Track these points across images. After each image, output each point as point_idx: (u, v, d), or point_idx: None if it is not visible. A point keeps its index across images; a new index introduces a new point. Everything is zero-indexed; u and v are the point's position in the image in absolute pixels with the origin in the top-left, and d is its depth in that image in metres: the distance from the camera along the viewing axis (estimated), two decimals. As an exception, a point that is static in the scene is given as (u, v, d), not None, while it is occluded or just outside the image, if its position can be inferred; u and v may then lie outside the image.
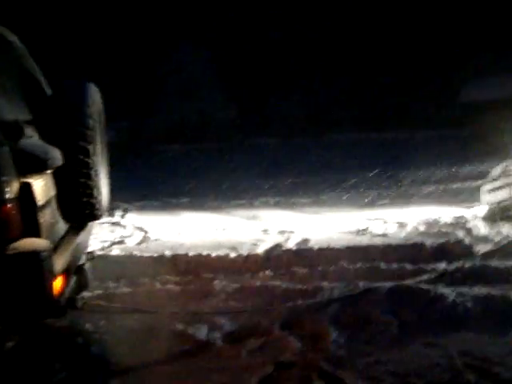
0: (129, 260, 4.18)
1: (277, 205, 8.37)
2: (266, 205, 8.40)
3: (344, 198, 8.94)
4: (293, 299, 3.28)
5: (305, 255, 4.20)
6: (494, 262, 3.90)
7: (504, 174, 6.25)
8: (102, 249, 4.57)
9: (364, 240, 4.85)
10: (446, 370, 2.44)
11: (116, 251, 4.47)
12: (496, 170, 6.63)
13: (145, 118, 19.65)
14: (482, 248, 4.34)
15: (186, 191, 9.69)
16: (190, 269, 4.01)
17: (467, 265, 3.84)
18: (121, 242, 5.04)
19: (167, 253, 4.25)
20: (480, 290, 3.33)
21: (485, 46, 17.51)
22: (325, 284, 3.47)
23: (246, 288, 3.43)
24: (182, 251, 4.38)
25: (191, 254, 4.22)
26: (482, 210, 6.46)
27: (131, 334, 2.85)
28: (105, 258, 4.12)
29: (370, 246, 4.40)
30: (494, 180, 6.48)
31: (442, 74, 17.94)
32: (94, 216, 2.64)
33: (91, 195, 2.53)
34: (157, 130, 19.38)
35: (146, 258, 4.21)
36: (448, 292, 3.26)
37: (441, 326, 2.95)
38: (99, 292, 3.39)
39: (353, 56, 20.67)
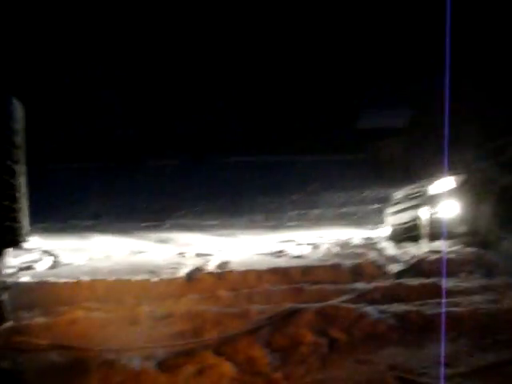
0: (42, 287, 3.90)
1: (187, 227, 8.31)
2: (177, 227, 8.31)
3: (253, 220, 9.10)
4: (223, 324, 3.24)
5: (228, 278, 4.19)
6: (407, 281, 4.16)
7: (406, 197, 6.73)
8: (9, 275, 4.23)
9: (282, 262, 4.94)
10: (382, 385, 2.55)
11: (26, 278, 4.15)
12: (398, 194, 7.14)
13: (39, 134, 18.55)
14: (393, 267, 4.61)
15: (91, 213, 9.31)
16: (111, 295, 3.82)
17: (383, 284, 4.05)
18: (29, 268, 4.70)
19: (84, 278, 4.02)
20: (398, 307, 3.54)
21: (384, 76, 18.80)
22: (253, 307, 3.48)
23: (173, 313, 3.34)
24: (99, 276, 4.17)
25: (110, 279, 4.03)
26: (385, 231, 6.88)
27: (55, 371, 2.65)
28: (13, 286, 3.81)
29: (291, 268, 4.50)
30: (397, 203, 6.96)
31: (340, 100, 18.94)
32: (16, 242, 2.45)
33: (15, 219, 2.35)
34: (52, 147, 18.33)
35: (62, 284, 3.95)
36: (371, 310, 3.41)
37: (368, 342, 3.08)
38: (12, 324, 3.12)
39: (248, 77, 21.11)
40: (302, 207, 10.48)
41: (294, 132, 18.19)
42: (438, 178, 6.46)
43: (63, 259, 5.14)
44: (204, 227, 8.22)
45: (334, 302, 3.57)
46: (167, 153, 17.37)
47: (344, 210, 10.59)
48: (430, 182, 6.51)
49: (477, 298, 3.83)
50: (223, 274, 4.35)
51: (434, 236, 6.13)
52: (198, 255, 5.46)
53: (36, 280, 4.10)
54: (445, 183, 6.25)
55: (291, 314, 3.32)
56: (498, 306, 3.60)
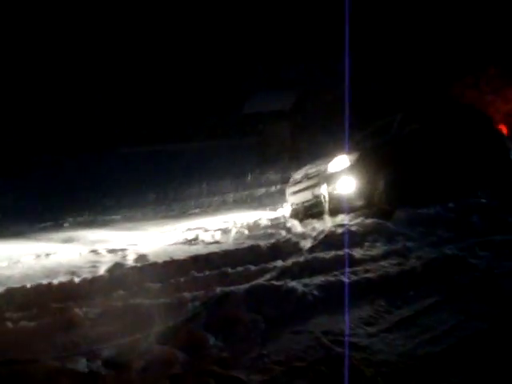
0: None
1: (89, 224, 8.07)
2: (78, 225, 8.03)
3: (155, 211, 9.04)
4: (161, 314, 3.31)
5: (152, 270, 4.22)
6: (320, 254, 4.50)
7: (306, 177, 7.13)
8: None
9: (200, 249, 5.06)
10: (319, 349, 2.81)
11: None
12: (298, 174, 7.52)
13: None
14: (305, 244, 4.93)
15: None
16: (33, 301, 3.70)
17: (300, 259, 4.35)
18: None
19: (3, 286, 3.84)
20: (319, 279, 3.84)
21: (265, 61, 19.34)
22: (185, 294, 3.58)
23: (108, 311, 3.33)
24: (15, 284, 3.99)
25: (29, 285, 3.88)
26: (287, 210, 7.24)
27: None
28: None
29: (211, 253, 4.63)
30: (297, 183, 7.35)
31: (226, 86, 19.21)
32: None
33: None
34: None
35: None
36: (295, 284, 3.67)
37: (299, 314, 3.33)
38: None
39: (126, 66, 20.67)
40: (200, 194, 10.58)
41: (183, 120, 18.18)
42: (334, 157, 6.91)
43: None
44: (107, 222, 8.02)
45: (260, 281, 3.77)
46: (47, 148, 16.50)
47: (241, 193, 10.85)
48: (327, 161, 6.95)
49: (383, 263, 4.26)
50: (147, 267, 4.37)
51: (335, 211, 6.61)
52: (112, 251, 5.36)
53: None
54: (341, 162, 6.72)
55: (224, 297, 3.46)
56: (402, 268, 4.06)
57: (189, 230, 6.78)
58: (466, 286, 3.65)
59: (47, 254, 5.46)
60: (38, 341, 2.92)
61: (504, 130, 8.54)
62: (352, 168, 6.61)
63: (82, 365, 2.70)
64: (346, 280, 3.77)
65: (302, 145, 15.60)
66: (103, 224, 7.85)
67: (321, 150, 12.20)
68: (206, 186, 11.50)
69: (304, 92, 18.91)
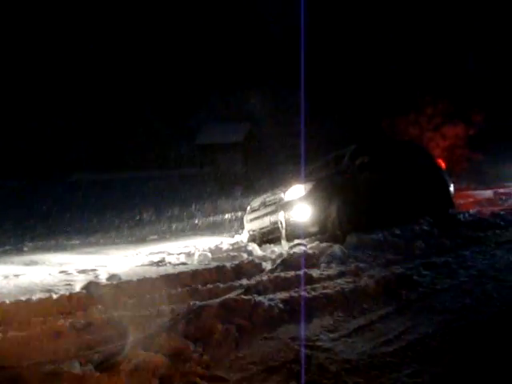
0: None
1: (50, 248, 8.14)
2: (37, 249, 8.08)
3: (114, 237, 9.21)
4: (142, 324, 3.60)
5: (126, 287, 4.48)
6: (281, 274, 4.92)
7: (263, 205, 7.58)
8: None
9: (168, 269, 5.35)
10: (289, 351, 3.19)
11: None
12: (255, 202, 7.97)
13: None
14: (266, 265, 5.34)
15: None
16: (15, 316, 3.90)
17: (263, 278, 4.75)
18: None
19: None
20: (283, 295, 4.25)
21: (217, 93, 19.91)
22: (163, 307, 3.89)
23: (92, 322, 3.59)
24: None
25: (8, 301, 4.07)
26: (245, 236, 7.65)
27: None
28: None
29: (181, 273, 4.95)
30: (254, 210, 7.79)
31: (179, 117, 19.59)
32: None
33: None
34: None
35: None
36: (262, 299, 4.06)
37: (267, 324, 3.71)
38: None
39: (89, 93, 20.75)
40: (157, 221, 10.81)
41: (136, 149, 18.34)
42: (290, 186, 7.40)
43: None
44: (67, 247, 8.11)
45: (231, 295, 4.13)
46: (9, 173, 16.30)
47: (198, 221, 11.17)
48: (284, 190, 7.44)
49: (339, 281, 4.74)
50: (121, 284, 4.62)
51: (291, 237, 7.07)
52: (83, 271, 5.55)
53: None
54: (296, 190, 7.22)
55: (199, 309, 3.80)
56: (356, 285, 4.53)
57: (152, 253, 7.03)
58: (413, 299, 4.16)
59: (16, 275, 5.57)
60: (30, 348, 3.14)
61: (442, 164, 9.38)
62: (307, 196, 7.11)
63: (75, 368, 2.95)
64: (306, 295, 4.19)
65: (255, 174, 16.15)
66: (63, 248, 7.94)
67: (273, 180, 12.77)
68: (162, 213, 11.73)
69: (257, 124, 19.60)
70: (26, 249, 7.92)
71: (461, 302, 4.04)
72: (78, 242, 8.56)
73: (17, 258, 7.01)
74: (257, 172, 16.40)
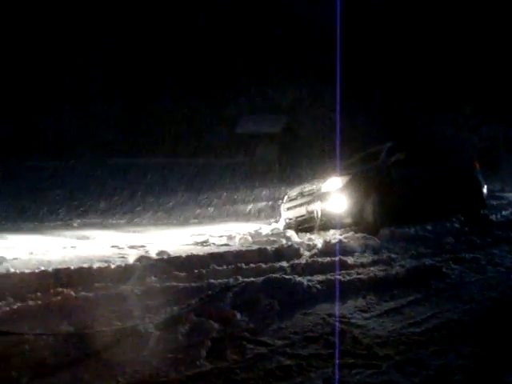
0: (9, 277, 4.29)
1: (97, 226, 8.67)
2: (85, 226, 8.62)
3: (157, 218, 9.70)
4: (193, 294, 4.03)
5: (176, 262, 4.92)
6: (318, 259, 5.28)
7: (300, 194, 7.94)
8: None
9: (213, 249, 5.77)
10: (326, 325, 3.56)
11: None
12: (293, 192, 8.33)
13: None
14: (304, 250, 5.71)
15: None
16: (77, 281, 4.36)
17: (302, 261, 5.12)
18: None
19: (49, 268, 4.48)
20: (320, 277, 4.62)
21: (256, 86, 20.26)
22: (212, 281, 4.31)
23: (149, 290, 4.04)
24: (58, 266, 4.63)
25: (72, 267, 4.55)
26: (281, 223, 8.03)
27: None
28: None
29: (226, 252, 5.36)
30: (292, 200, 8.15)
31: (219, 107, 20.02)
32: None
33: None
34: None
35: (28, 273, 4.38)
36: (301, 279, 4.44)
37: (306, 301, 4.09)
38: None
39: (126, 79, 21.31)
40: (196, 206, 11.27)
41: (176, 136, 18.84)
42: (327, 178, 7.74)
43: (3, 255, 5.37)
44: (114, 225, 8.63)
45: (273, 274, 4.52)
46: (46, 153, 16.98)
47: (234, 208, 11.59)
48: (321, 182, 7.77)
49: (371, 268, 5.07)
50: (171, 259, 5.06)
51: (325, 227, 7.41)
52: (133, 247, 6.02)
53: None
54: (333, 183, 7.55)
55: (245, 284, 4.20)
56: (387, 273, 4.86)
57: (194, 235, 7.47)
58: (441, 289, 4.47)
59: (73, 247, 6.09)
60: (97, 308, 3.61)
61: (477, 165, 9.54)
62: (343, 189, 7.43)
63: (140, 326, 3.39)
64: (342, 278, 4.55)
65: (290, 166, 16.51)
66: (110, 226, 8.46)
67: (307, 172, 13.08)
68: (201, 199, 12.20)
69: (294, 117, 19.95)
70: (75, 225, 8.48)
71: (486, 294, 4.33)
72: (123, 221, 9.07)
73: (68, 233, 7.54)
74: (292, 164, 16.74)
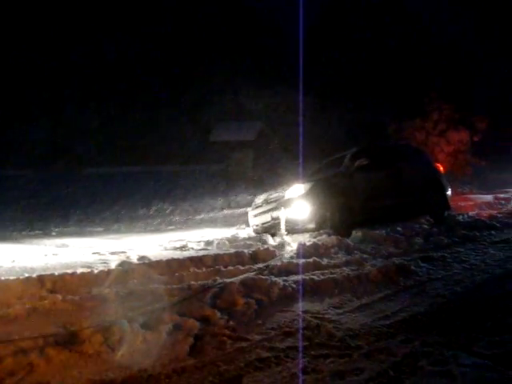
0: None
1: (76, 234, 8.74)
2: (64, 234, 8.69)
3: (133, 226, 9.82)
4: (175, 295, 4.21)
5: (157, 266, 5.09)
6: (293, 260, 5.51)
7: (265, 201, 8.18)
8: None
9: (192, 253, 5.95)
10: (302, 321, 3.79)
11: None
12: (259, 199, 8.58)
13: None
14: (280, 253, 5.94)
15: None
16: (63, 286, 4.50)
17: (278, 263, 5.35)
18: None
19: (33, 275, 4.60)
20: (295, 277, 4.84)
21: (229, 93, 20.49)
22: (192, 283, 4.49)
23: (133, 292, 4.20)
24: (42, 273, 4.76)
25: (56, 273, 4.68)
26: (249, 230, 8.22)
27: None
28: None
29: (204, 256, 5.54)
30: (258, 207, 8.39)
31: (193, 115, 20.17)
32: None
33: None
34: None
35: (13, 280, 4.49)
36: (278, 280, 4.66)
37: (282, 300, 4.31)
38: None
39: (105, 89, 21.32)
40: (172, 214, 11.40)
41: (150, 145, 18.91)
42: (291, 185, 7.99)
43: (-14, 263, 5.44)
44: (92, 233, 8.71)
45: (250, 274, 4.73)
46: (20, 163, 16.87)
47: (209, 214, 11.76)
48: (285, 189, 8.03)
49: (344, 268, 5.32)
50: (152, 264, 5.23)
51: (291, 231, 7.66)
52: (114, 253, 6.15)
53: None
54: (296, 189, 7.80)
55: (223, 285, 4.40)
56: (359, 272, 5.12)
57: (172, 241, 7.63)
58: (409, 286, 4.75)
59: (54, 254, 6.19)
60: (84, 310, 3.76)
61: (441, 168, 9.95)
62: (306, 195, 7.68)
63: (124, 325, 3.55)
64: (316, 278, 4.79)
65: (264, 172, 16.76)
66: (88, 234, 8.54)
67: (280, 178, 13.37)
68: (176, 206, 12.34)
69: (267, 124, 20.24)
70: (53, 233, 8.53)
71: (451, 289, 4.62)
72: (101, 229, 9.15)
73: (48, 241, 7.61)
74: (266, 170, 17.00)
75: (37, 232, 8.54)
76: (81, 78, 20.56)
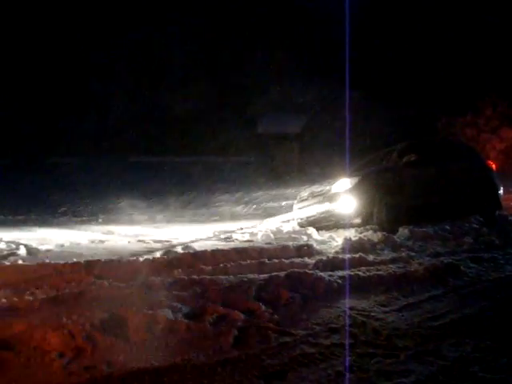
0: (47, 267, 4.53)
1: (120, 221, 8.92)
2: (112, 221, 8.88)
3: (178, 215, 9.93)
4: (220, 286, 4.22)
5: (202, 256, 5.12)
6: (339, 255, 5.44)
7: (311, 195, 8.10)
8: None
9: (237, 244, 5.96)
10: (347, 317, 3.72)
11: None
12: (304, 192, 8.51)
13: None
14: (325, 247, 5.87)
15: (14, 209, 9.46)
16: (108, 273, 4.59)
17: (323, 258, 5.28)
18: (12, 254, 5.19)
19: (81, 260, 4.71)
20: (340, 273, 4.77)
21: (275, 86, 20.41)
22: (236, 275, 4.49)
23: (177, 282, 4.24)
24: (90, 258, 4.87)
25: (103, 259, 4.76)
26: (294, 223, 8.17)
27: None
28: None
29: (249, 248, 5.54)
30: (303, 200, 8.32)
31: (241, 107, 20.18)
32: None
33: None
34: None
35: (62, 265, 4.61)
36: (323, 275, 4.60)
37: (328, 295, 4.25)
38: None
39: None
40: (218, 204, 11.48)
41: (198, 135, 19.06)
42: (337, 179, 7.88)
43: (38, 247, 5.62)
44: (137, 221, 8.88)
45: (295, 269, 4.69)
46: (68, 151, 17.33)
47: (253, 206, 11.77)
48: (331, 183, 7.93)
49: (391, 265, 5.21)
50: (196, 254, 5.27)
51: (337, 225, 7.56)
52: (158, 241, 6.24)
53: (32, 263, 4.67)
54: (343, 183, 7.68)
55: (269, 278, 4.38)
56: (406, 270, 5.00)
57: (216, 231, 7.67)
58: (459, 286, 4.60)
59: (101, 241, 6.33)
60: (131, 298, 3.81)
61: (493, 166, 9.58)
62: (352, 190, 7.56)
63: (169, 315, 3.58)
64: (362, 274, 4.70)
65: (310, 165, 16.64)
66: (133, 222, 8.70)
67: (326, 172, 13.22)
68: (221, 197, 12.42)
69: (314, 116, 20.06)
70: (100, 220, 8.73)
71: (504, 292, 4.44)
72: (146, 217, 9.31)
73: (95, 227, 7.80)
74: (312, 163, 16.88)
75: (84, 218, 8.76)
76: (125, 68, 20.83)
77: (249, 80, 20.25)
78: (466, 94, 18.58)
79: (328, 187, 8.09)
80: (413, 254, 5.73)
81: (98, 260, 4.76)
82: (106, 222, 8.65)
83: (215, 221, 9.13)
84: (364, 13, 21.48)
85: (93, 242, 6.22)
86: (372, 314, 3.79)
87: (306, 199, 8.64)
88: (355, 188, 7.64)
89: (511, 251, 6.15)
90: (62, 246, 5.85)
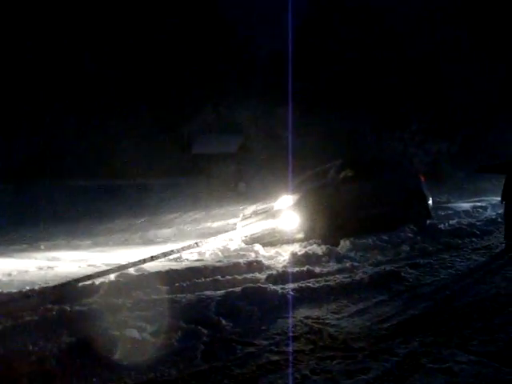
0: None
1: (65, 246, 8.77)
2: (54, 247, 8.70)
3: (121, 239, 9.87)
4: (181, 304, 4.35)
5: (157, 277, 5.21)
6: (288, 269, 5.70)
7: (254, 213, 8.35)
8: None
9: (189, 264, 6.09)
10: (304, 326, 3.96)
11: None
12: (248, 211, 8.74)
13: None
14: (273, 262, 6.12)
15: None
16: (66, 297, 4.59)
17: (273, 272, 5.53)
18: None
19: (35, 287, 4.68)
20: (292, 285, 5.03)
21: (209, 106, 20.65)
22: (193, 293, 4.64)
23: (142, 301, 4.33)
24: (44, 285, 4.84)
25: (52, 285, 4.75)
26: (238, 241, 8.35)
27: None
28: None
29: (202, 267, 5.68)
30: (247, 218, 8.55)
31: (174, 127, 20.22)
32: None
33: None
34: None
35: (16, 293, 4.57)
36: (276, 288, 4.84)
37: (283, 307, 4.49)
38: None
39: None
40: (159, 226, 11.49)
41: (134, 158, 18.88)
42: (279, 196, 8.19)
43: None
44: (80, 246, 8.74)
45: (251, 284, 4.90)
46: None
47: (194, 226, 11.87)
48: (273, 200, 8.23)
49: (337, 276, 5.54)
50: (151, 275, 5.32)
51: (279, 242, 7.85)
52: (109, 265, 6.23)
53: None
54: (285, 200, 8.00)
55: (225, 294, 4.56)
56: (352, 279, 5.34)
57: (165, 252, 7.69)
58: (401, 291, 4.98)
59: (50, 267, 6.24)
60: (95, 319, 3.87)
61: (423, 178, 10.30)
62: (294, 206, 7.89)
63: (135, 334, 3.68)
64: (312, 285, 4.99)
65: (246, 184, 16.97)
66: (78, 247, 8.56)
67: (264, 190, 13.57)
68: (163, 219, 12.42)
69: (249, 136, 20.51)
70: (42, 247, 8.53)
71: (441, 293, 4.87)
72: (89, 242, 9.18)
73: (38, 255, 7.62)
74: (248, 182, 17.21)
75: (24, 246, 8.53)
76: (60, 90, 20.41)
77: (183, 101, 20.41)
78: (393, 110, 19.68)
79: (271, 204, 8.35)
80: (356, 264, 6.09)
81: (54, 286, 4.74)
82: (49, 248, 8.44)
83: (160, 242, 9.17)
84: (298, 32, 22.33)
85: (41, 268, 6.11)
86: (326, 321, 4.06)
87: (249, 217, 8.86)
88: (297, 204, 7.95)
89: (444, 256, 6.67)
90: (10, 274, 5.71)
